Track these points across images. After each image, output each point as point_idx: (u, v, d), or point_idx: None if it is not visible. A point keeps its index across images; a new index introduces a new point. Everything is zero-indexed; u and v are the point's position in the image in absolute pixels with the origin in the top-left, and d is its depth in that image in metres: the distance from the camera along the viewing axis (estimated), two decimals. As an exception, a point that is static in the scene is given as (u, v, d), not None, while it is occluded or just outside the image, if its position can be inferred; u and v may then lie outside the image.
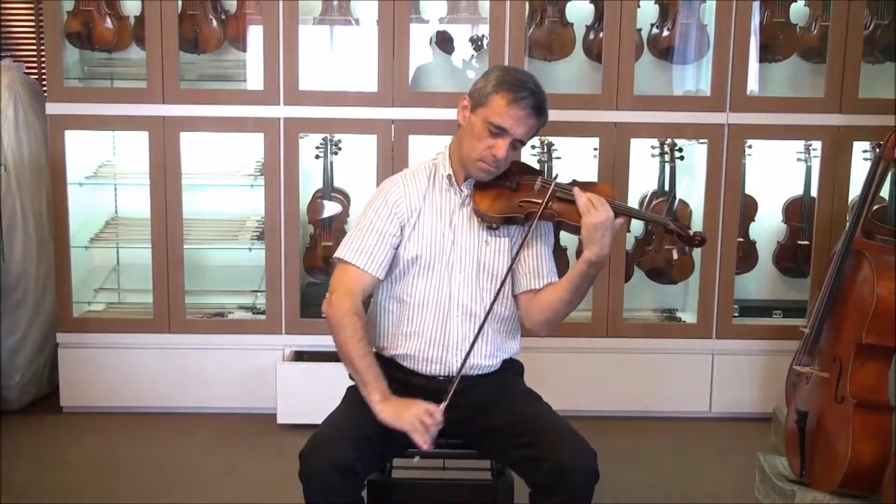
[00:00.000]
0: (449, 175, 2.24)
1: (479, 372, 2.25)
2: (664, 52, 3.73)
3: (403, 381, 2.25)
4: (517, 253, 2.19)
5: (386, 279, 2.26)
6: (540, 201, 2.15)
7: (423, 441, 2.01)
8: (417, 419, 2.02)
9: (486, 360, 2.25)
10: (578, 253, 3.70)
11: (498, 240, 2.24)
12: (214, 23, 3.69)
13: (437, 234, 2.22)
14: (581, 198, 2.08)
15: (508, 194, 2.20)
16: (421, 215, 2.23)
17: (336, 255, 2.22)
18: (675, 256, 3.69)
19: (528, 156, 3.66)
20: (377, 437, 2.10)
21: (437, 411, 2.04)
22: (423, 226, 2.23)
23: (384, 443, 2.13)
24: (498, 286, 2.21)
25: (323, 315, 2.20)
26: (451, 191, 2.25)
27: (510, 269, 2.20)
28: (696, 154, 3.76)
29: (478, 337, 2.16)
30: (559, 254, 3.65)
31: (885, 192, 2.94)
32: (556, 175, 2.23)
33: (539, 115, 2.13)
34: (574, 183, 2.22)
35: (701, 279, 3.64)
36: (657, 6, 3.71)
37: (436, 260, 2.22)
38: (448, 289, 2.21)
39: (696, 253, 3.66)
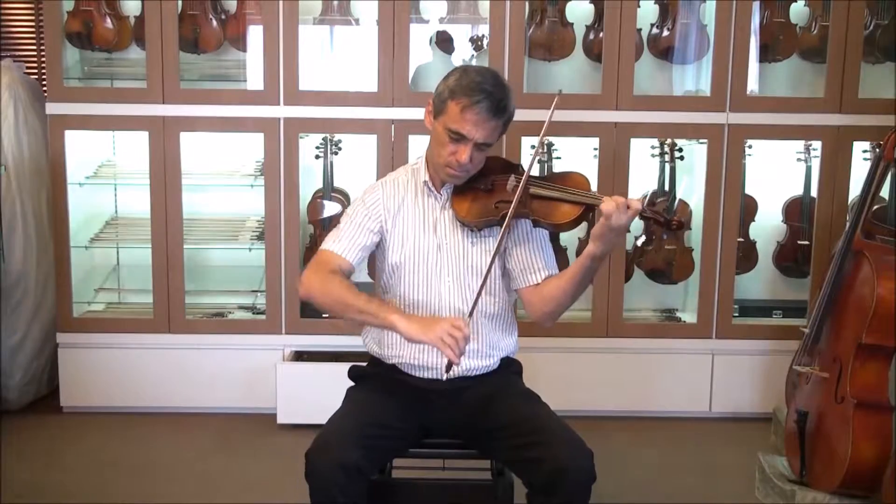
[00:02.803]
0: (426, 181, 2.24)
1: (477, 372, 2.25)
2: (664, 52, 3.73)
3: (403, 382, 2.25)
4: (493, 258, 2.14)
5: (377, 288, 2.27)
6: (513, 201, 2.11)
7: (454, 355, 1.98)
8: (446, 333, 1.98)
9: (482, 360, 2.25)
10: (579, 252, 3.72)
11: (483, 240, 2.23)
12: (214, 23, 3.69)
13: (421, 240, 2.22)
14: (609, 201, 2.01)
15: (484, 196, 2.18)
16: (401, 221, 2.23)
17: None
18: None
19: (528, 156, 3.66)
20: (382, 436, 2.10)
21: (464, 325, 2.01)
22: (405, 232, 2.23)
23: (388, 442, 2.13)
24: (487, 285, 2.20)
25: (305, 298, 2.18)
26: (431, 196, 2.25)
27: (489, 268, 2.15)
28: (696, 154, 3.76)
29: (478, 297, 2.12)
30: (559, 253, 3.65)
31: (885, 192, 2.94)
32: (525, 169, 2.16)
33: (498, 116, 2.10)
34: (550, 174, 2.21)
35: (701, 279, 3.64)
36: (657, 6, 3.71)
37: (423, 266, 2.22)
38: (438, 293, 2.21)
39: (696, 253, 3.66)
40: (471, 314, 2.10)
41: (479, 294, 2.12)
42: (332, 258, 2.18)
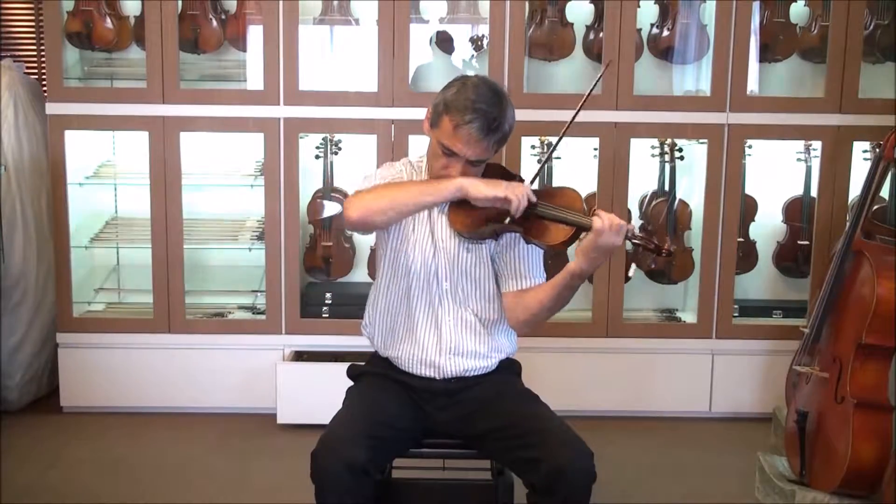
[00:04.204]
0: None
1: (476, 372, 2.25)
2: (664, 52, 3.73)
3: (402, 381, 2.26)
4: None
5: (379, 283, 2.28)
6: (507, 217, 2.09)
7: (516, 207, 2.03)
8: (513, 187, 2.04)
9: (481, 361, 2.25)
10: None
11: (478, 247, 2.22)
12: (214, 23, 3.69)
13: (420, 241, 2.22)
14: (603, 219, 1.99)
15: (480, 208, 2.14)
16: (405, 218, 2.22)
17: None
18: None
19: (528, 156, 3.67)
20: (386, 436, 2.11)
21: (528, 188, 2.06)
22: (407, 231, 2.22)
23: (391, 442, 2.13)
24: (482, 290, 2.23)
25: (360, 216, 2.10)
26: None
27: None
28: (696, 154, 3.76)
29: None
30: (560, 257, 3.64)
31: (885, 192, 2.94)
32: (521, 180, 2.18)
33: (490, 135, 2.07)
34: (544, 190, 2.20)
35: (701, 279, 3.64)
36: (657, 6, 3.71)
37: (421, 267, 2.21)
38: (438, 295, 2.22)
39: (696, 253, 3.66)
40: (535, 175, 2.11)
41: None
42: None
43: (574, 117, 2.17)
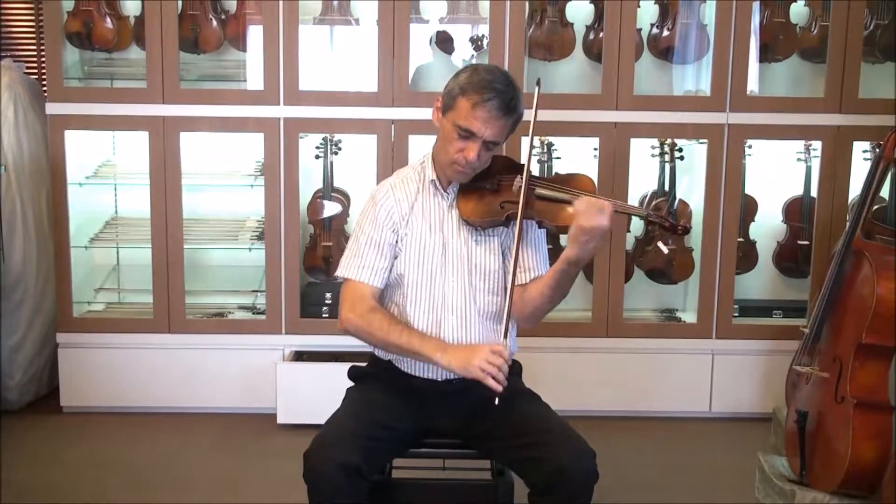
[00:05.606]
0: (433, 180, 2.24)
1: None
2: (664, 52, 3.74)
3: (402, 382, 2.25)
4: (514, 262, 2.15)
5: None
6: (519, 202, 2.11)
7: (497, 384, 2.02)
8: (486, 362, 2.03)
9: None
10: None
11: (487, 238, 2.23)
12: (214, 23, 3.69)
13: (427, 240, 2.22)
14: (582, 200, 2.02)
15: (490, 196, 2.17)
16: (413, 220, 2.23)
17: (338, 273, 2.25)
18: (665, 250, 3.65)
19: (531, 155, 3.66)
20: (382, 437, 2.10)
21: (502, 348, 2.05)
22: (414, 233, 2.22)
23: (388, 443, 2.13)
24: (490, 284, 2.22)
25: (340, 328, 2.22)
26: (438, 195, 2.24)
27: (513, 282, 2.16)
28: (696, 154, 3.76)
29: (509, 316, 2.12)
30: (560, 250, 3.64)
31: (885, 192, 2.94)
32: (529, 170, 2.17)
33: (508, 114, 2.10)
34: (555, 176, 2.21)
35: (701, 279, 3.64)
36: (657, 6, 3.71)
37: (429, 266, 2.21)
38: (442, 293, 2.21)
39: (696, 253, 3.66)
40: (505, 335, 2.11)
41: (508, 315, 2.12)
42: (364, 291, 2.20)
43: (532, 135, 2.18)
